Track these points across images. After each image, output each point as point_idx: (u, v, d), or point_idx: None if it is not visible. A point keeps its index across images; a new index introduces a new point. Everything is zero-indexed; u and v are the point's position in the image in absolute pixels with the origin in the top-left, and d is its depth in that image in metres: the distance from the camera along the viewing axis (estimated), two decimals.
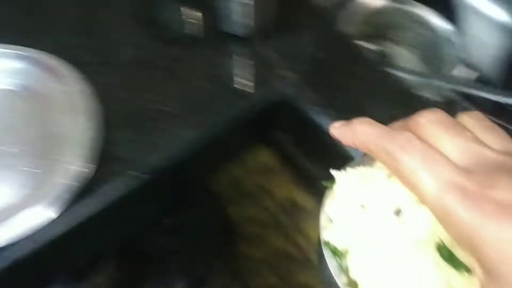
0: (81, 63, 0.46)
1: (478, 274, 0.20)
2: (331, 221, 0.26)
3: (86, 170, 0.39)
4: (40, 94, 0.45)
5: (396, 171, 0.21)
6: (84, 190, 0.38)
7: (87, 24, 0.51)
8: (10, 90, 0.46)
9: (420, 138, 0.21)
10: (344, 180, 0.26)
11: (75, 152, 0.40)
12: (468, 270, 0.22)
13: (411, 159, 0.20)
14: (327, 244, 0.26)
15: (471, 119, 0.23)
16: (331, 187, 0.26)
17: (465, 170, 0.20)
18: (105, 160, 0.40)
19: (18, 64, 0.47)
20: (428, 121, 0.22)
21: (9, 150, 0.42)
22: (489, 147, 0.21)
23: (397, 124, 0.24)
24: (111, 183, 0.39)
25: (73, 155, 0.40)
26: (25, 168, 0.41)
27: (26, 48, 0.47)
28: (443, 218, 0.20)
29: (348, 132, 0.24)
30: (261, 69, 0.49)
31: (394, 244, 0.23)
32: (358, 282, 0.24)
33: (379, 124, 0.23)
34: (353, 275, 0.24)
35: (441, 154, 0.20)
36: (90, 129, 0.41)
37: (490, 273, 0.19)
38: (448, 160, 0.20)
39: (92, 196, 0.39)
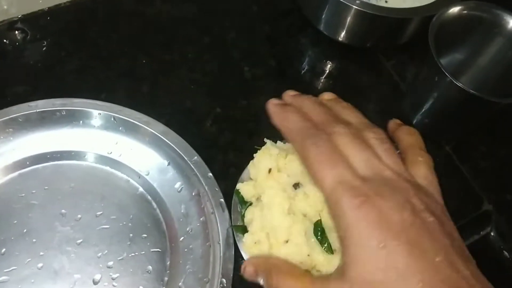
0: None
1: (342, 259, 0.24)
2: (250, 178, 0.32)
3: None
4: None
5: (305, 159, 0.26)
6: None
7: None
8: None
9: (332, 141, 0.26)
10: (267, 148, 0.31)
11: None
12: (330, 250, 0.27)
13: (319, 155, 0.25)
14: (238, 192, 0.31)
15: (375, 137, 0.27)
16: (257, 151, 0.32)
17: (362, 177, 0.24)
18: None
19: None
20: (344, 133, 0.26)
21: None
22: (387, 166, 0.26)
23: (326, 119, 0.28)
24: None
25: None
26: None
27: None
28: (333, 206, 0.24)
29: (281, 115, 0.28)
30: None
31: (283, 208, 0.29)
32: (248, 228, 0.30)
33: (306, 119, 0.27)
34: (246, 221, 0.30)
35: (343, 159, 0.25)
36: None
37: (346, 263, 0.24)
38: (350, 166, 0.25)
39: None
